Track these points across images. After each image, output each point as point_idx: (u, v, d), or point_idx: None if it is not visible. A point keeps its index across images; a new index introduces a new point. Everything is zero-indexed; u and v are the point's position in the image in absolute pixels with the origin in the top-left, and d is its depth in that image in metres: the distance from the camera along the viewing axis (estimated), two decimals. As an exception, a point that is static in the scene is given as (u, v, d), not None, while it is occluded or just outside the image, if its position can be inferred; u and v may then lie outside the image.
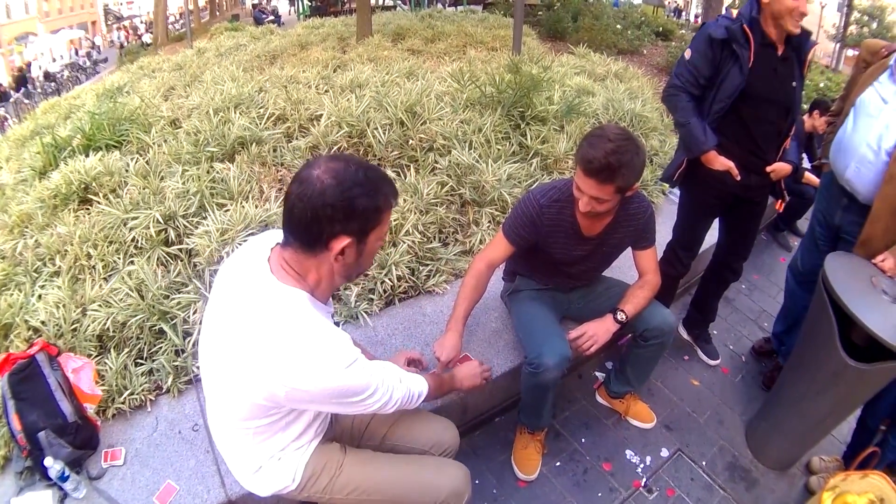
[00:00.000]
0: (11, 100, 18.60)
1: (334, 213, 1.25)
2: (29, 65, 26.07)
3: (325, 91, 4.58)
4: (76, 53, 26.52)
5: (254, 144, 3.54)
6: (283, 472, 1.56)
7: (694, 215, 2.74)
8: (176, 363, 2.34)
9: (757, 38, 2.28)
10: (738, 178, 2.38)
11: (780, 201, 2.67)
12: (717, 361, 3.12)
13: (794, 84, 2.33)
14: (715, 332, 3.30)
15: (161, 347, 2.42)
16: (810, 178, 4.31)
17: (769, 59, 2.30)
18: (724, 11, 2.71)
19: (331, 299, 1.61)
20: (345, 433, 1.79)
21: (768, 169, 2.41)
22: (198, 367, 2.27)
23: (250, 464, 1.55)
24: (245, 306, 1.35)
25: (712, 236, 2.87)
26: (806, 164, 4.64)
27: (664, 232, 2.71)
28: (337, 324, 1.61)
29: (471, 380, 1.98)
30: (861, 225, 2.25)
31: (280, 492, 1.60)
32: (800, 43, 2.31)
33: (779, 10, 2.20)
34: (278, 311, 1.31)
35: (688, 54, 2.41)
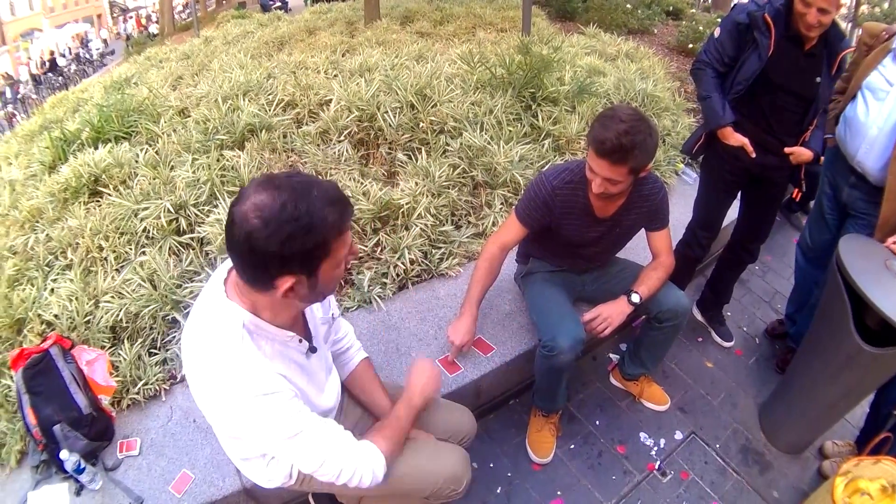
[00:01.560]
0: (19, 96, 18.98)
1: (267, 259, 1.12)
2: (34, 59, 26.52)
3: (334, 76, 4.54)
4: (69, 52, 26.79)
5: (263, 131, 3.53)
6: (279, 470, 1.56)
7: (712, 190, 2.73)
8: (190, 352, 2.35)
9: (780, 29, 2.26)
10: (753, 155, 2.37)
11: (797, 190, 2.66)
12: (731, 343, 3.09)
13: (818, 80, 2.29)
14: (729, 313, 3.26)
15: (174, 337, 2.43)
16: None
17: (792, 51, 2.27)
18: None
19: (319, 308, 1.55)
20: (350, 425, 1.68)
21: (787, 150, 2.38)
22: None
23: (244, 456, 1.55)
24: (195, 315, 1.32)
25: (731, 221, 2.83)
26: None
27: (677, 213, 2.68)
28: (314, 350, 1.46)
29: (430, 384, 1.65)
30: (868, 203, 2.28)
31: (280, 486, 1.60)
32: (833, 43, 2.27)
33: (796, 10, 2.20)
34: (210, 329, 1.26)
35: (717, 32, 2.45)
